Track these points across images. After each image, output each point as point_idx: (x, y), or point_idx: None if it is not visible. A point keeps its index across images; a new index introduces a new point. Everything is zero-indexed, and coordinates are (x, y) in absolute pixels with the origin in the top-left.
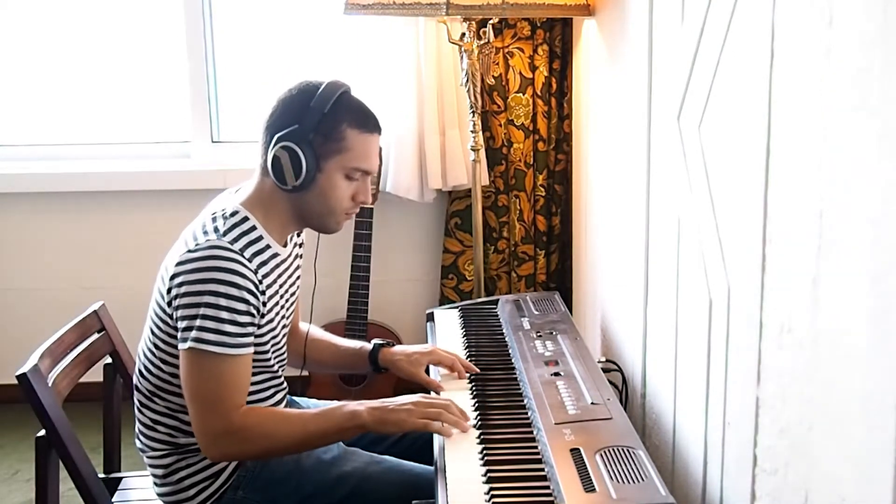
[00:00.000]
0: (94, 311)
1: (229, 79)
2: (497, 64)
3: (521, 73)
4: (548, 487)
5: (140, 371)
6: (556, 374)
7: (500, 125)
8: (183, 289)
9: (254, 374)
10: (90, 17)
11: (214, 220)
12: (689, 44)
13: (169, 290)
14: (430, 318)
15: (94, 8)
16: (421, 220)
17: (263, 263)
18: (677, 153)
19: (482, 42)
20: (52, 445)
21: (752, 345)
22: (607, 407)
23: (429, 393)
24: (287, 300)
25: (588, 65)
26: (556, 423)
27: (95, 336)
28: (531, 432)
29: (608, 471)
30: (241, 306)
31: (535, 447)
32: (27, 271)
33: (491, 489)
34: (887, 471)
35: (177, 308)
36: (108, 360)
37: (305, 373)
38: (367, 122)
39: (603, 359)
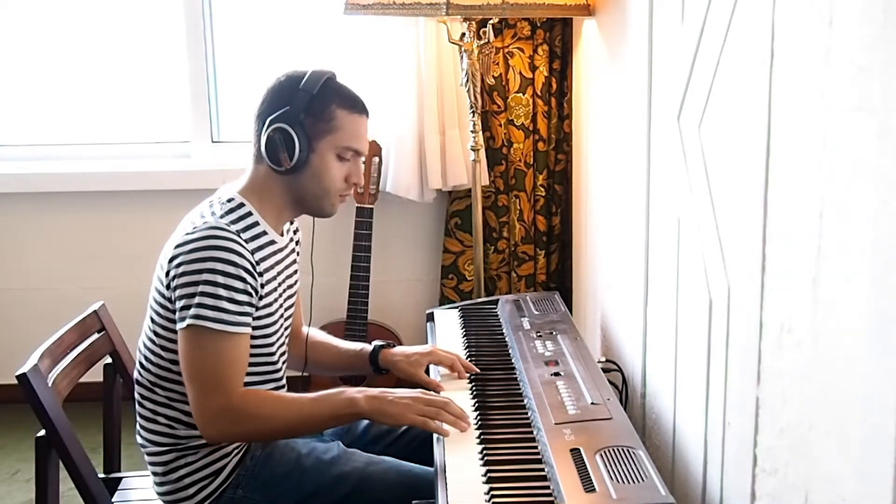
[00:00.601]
0: (94, 311)
1: (229, 79)
2: (497, 64)
3: (521, 73)
4: (548, 487)
5: (140, 363)
6: (556, 374)
7: (500, 125)
8: (181, 269)
9: (255, 365)
10: (90, 17)
11: (212, 205)
12: (689, 44)
13: (168, 273)
14: (430, 318)
15: (94, 8)
16: (421, 220)
17: (260, 248)
18: (677, 153)
19: (482, 42)
20: (52, 445)
21: (752, 345)
22: (607, 407)
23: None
24: (286, 290)
25: (588, 65)
26: (556, 423)
27: (95, 336)
28: (531, 432)
29: (608, 471)
30: (239, 284)
31: (535, 447)
32: (27, 271)
33: (491, 489)
34: (887, 471)
35: (175, 289)
36: (108, 360)
37: (306, 373)
38: (356, 104)
39: (603, 359)
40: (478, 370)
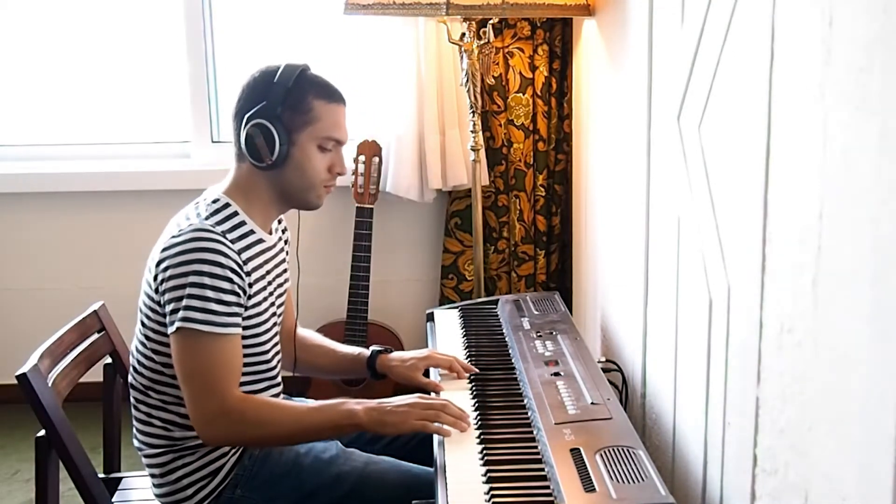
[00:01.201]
0: (94, 311)
1: (229, 79)
2: (497, 64)
3: (521, 73)
4: (548, 487)
5: (134, 367)
6: (556, 374)
7: (500, 125)
8: (168, 272)
9: (249, 365)
10: (90, 17)
11: (197, 207)
12: (689, 44)
13: (156, 277)
14: (430, 318)
15: (94, 8)
16: (421, 220)
17: (247, 248)
18: (677, 153)
19: (482, 42)
20: (52, 445)
21: (752, 345)
22: (607, 407)
23: (428, 394)
24: (276, 289)
25: (588, 65)
26: (556, 423)
27: (95, 336)
28: (531, 432)
29: (608, 471)
30: (226, 285)
31: (535, 447)
32: (27, 271)
33: (491, 489)
34: (887, 471)
35: (164, 293)
36: (108, 360)
37: (297, 373)
38: (332, 93)
39: (603, 359)
40: (476, 370)
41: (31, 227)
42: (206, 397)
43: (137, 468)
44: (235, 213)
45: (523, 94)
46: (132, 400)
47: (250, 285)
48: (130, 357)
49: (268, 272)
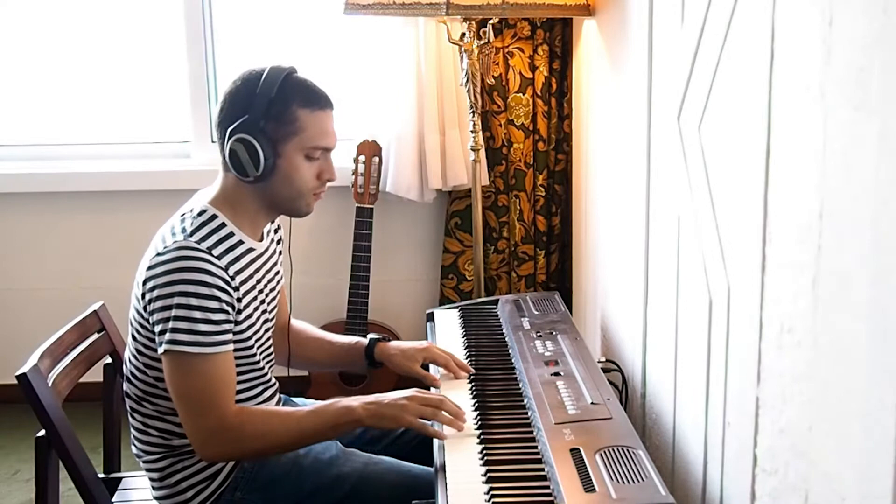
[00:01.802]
0: (94, 311)
1: (229, 79)
2: (497, 64)
3: (521, 73)
4: (548, 487)
5: (128, 377)
6: (556, 374)
7: (500, 125)
8: (155, 293)
9: (240, 374)
10: (90, 16)
11: (183, 220)
12: (688, 44)
13: (143, 296)
14: (430, 318)
15: (94, 8)
16: (421, 220)
17: (236, 259)
18: (677, 153)
19: (482, 42)
20: (52, 445)
21: (752, 345)
22: (607, 407)
23: (427, 389)
24: (267, 295)
25: (588, 65)
26: (556, 423)
27: (95, 336)
28: (531, 432)
29: (608, 471)
30: (214, 304)
31: (535, 447)
32: (27, 271)
33: (491, 489)
34: (887, 471)
35: (151, 313)
36: (108, 360)
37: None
38: (318, 100)
39: (603, 359)
40: (472, 370)
41: (31, 227)
42: (202, 417)
43: (137, 468)
44: (223, 225)
45: (523, 94)
46: (128, 408)
47: (239, 300)
48: (124, 366)
49: (258, 281)
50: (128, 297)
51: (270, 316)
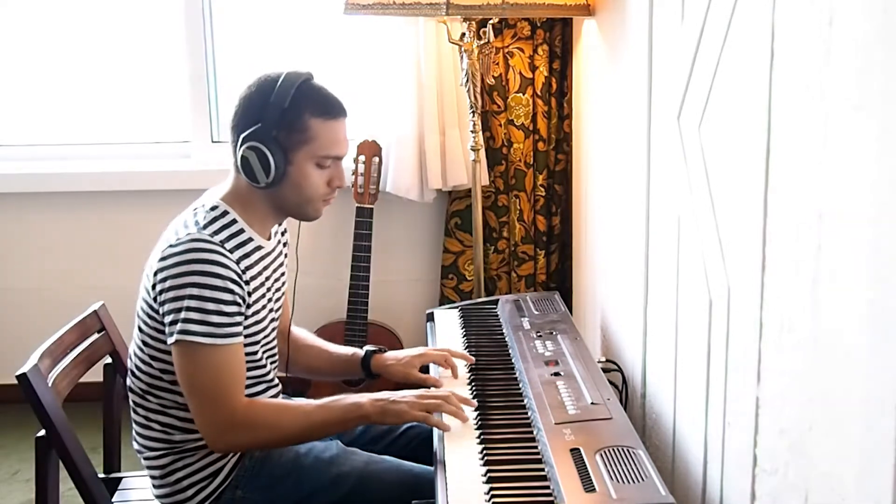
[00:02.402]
0: (94, 311)
1: (229, 79)
2: (497, 64)
3: (521, 73)
4: (548, 487)
5: (132, 371)
6: (556, 374)
7: (500, 125)
8: (167, 283)
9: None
10: (90, 16)
11: (195, 214)
12: (689, 44)
13: (154, 287)
14: (430, 318)
15: (94, 8)
16: (421, 220)
17: (246, 256)
18: (677, 153)
19: (482, 42)
20: (52, 445)
21: (752, 345)
22: (607, 407)
23: (429, 388)
24: (274, 293)
25: (588, 65)
26: (556, 423)
27: (95, 336)
28: (531, 432)
29: (608, 471)
30: (227, 296)
31: (535, 447)
32: (27, 271)
33: (491, 489)
34: (887, 471)
35: (162, 303)
36: (108, 360)
37: (290, 374)
38: (330, 109)
39: (603, 359)
40: (472, 359)
41: (31, 227)
42: (214, 408)
43: (137, 468)
44: (234, 221)
45: (523, 94)
46: (131, 403)
47: (250, 294)
48: (128, 361)
49: (266, 278)
50: (128, 297)
51: (276, 315)
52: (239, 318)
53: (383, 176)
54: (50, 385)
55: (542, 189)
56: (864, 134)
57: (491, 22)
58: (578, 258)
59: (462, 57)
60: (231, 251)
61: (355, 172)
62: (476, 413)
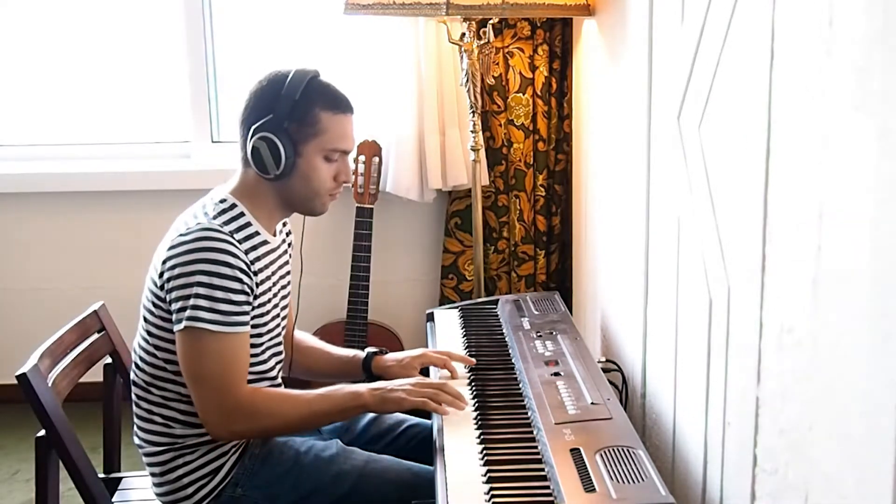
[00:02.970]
0: (94, 311)
1: (229, 79)
2: (497, 64)
3: (521, 73)
4: (548, 487)
5: (136, 364)
6: (556, 374)
7: (500, 125)
8: (176, 271)
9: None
10: (90, 16)
11: (205, 206)
12: (689, 44)
13: (161, 275)
14: (430, 318)
15: (94, 8)
16: (421, 220)
17: (253, 248)
18: (677, 153)
19: (482, 42)
20: (52, 445)
21: (752, 345)
22: (607, 407)
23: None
24: (280, 290)
25: (588, 65)
26: (556, 423)
27: (95, 336)
28: (531, 432)
29: (608, 471)
30: (235, 285)
31: (535, 447)
32: (27, 271)
33: (491, 489)
34: (887, 471)
35: (170, 291)
36: (108, 360)
37: (292, 376)
38: (339, 104)
39: (603, 359)
40: (473, 361)
41: (31, 227)
42: (218, 395)
43: (137, 468)
44: (242, 214)
45: (523, 94)
46: (133, 396)
47: (258, 285)
48: (132, 353)
49: (273, 273)
50: (128, 297)
51: (282, 313)
52: (246, 308)
53: (383, 176)
54: (50, 385)
55: (542, 189)
56: (864, 134)
57: (491, 22)
58: (578, 258)
59: (462, 57)
60: (240, 242)
61: (355, 172)
62: (476, 413)
